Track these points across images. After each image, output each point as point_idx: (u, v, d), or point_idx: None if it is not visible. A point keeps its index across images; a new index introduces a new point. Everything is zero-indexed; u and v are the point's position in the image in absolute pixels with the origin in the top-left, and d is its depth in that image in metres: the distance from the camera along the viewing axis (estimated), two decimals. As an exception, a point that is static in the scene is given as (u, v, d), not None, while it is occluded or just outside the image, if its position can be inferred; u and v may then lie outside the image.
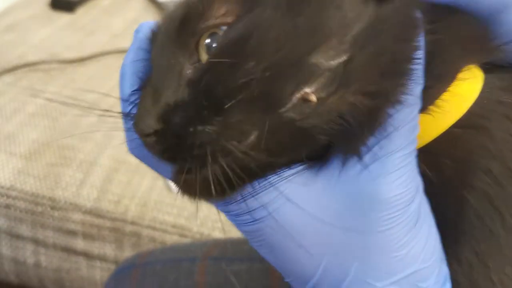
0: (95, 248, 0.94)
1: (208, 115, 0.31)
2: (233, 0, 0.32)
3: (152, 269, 0.68)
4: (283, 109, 0.31)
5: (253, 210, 0.33)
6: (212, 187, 0.32)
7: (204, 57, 0.33)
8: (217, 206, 0.35)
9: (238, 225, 0.35)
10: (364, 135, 0.32)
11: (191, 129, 0.31)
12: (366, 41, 0.31)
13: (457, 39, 0.36)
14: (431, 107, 0.35)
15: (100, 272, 0.94)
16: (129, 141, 0.36)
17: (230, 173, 0.32)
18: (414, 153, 0.34)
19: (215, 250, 0.68)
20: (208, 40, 0.32)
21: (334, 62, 0.31)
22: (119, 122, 1.07)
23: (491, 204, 0.35)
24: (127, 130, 0.36)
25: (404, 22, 0.33)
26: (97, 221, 0.93)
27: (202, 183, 0.32)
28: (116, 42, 1.35)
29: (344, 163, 0.33)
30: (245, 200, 0.33)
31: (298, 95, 0.31)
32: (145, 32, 0.38)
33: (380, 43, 0.31)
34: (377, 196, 0.32)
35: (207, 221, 0.91)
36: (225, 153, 0.31)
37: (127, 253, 0.93)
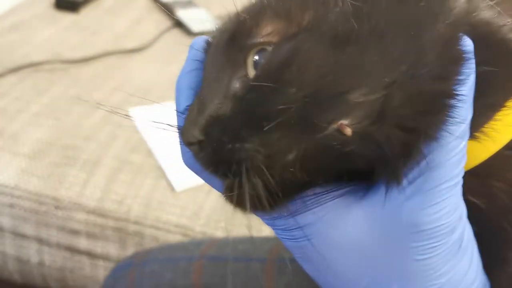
0: (98, 247, 0.95)
1: (248, 133, 0.32)
2: (280, 21, 0.33)
3: (150, 268, 0.68)
4: (320, 135, 0.32)
5: (296, 228, 0.34)
6: (247, 202, 0.32)
7: (251, 71, 0.34)
8: (263, 220, 0.36)
9: (283, 240, 0.36)
10: (403, 166, 0.32)
11: (229, 145, 0.32)
12: (406, 79, 0.31)
13: (508, 70, 0.36)
14: (478, 134, 0.35)
15: (103, 271, 0.95)
16: (184, 154, 0.37)
17: (263, 191, 0.32)
18: (460, 183, 0.34)
19: (212, 249, 0.68)
20: (256, 57, 0.33)
21: (371, 98, 0.31)
22: (123, 121, 1.07)
23: None
24: (182, 143, 0.37)
25: (446, 58, 0.33)
26: (100, 220, 0.94)
27: (238, 197, 0.33)
28: (120, 42, 1.35)
29: (387, 191, 0.33)
30: (289, 218, 0.34)
31: (335, 126, 0.31)
32: (200, 46, 0.39)
33: (419, 82, 0.31)
34: (419, 227, 0.33)
35: (210, 221, 0.91)
36: (259, 172, 0.32)
37: (130, 252, 0.93)
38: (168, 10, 1.48)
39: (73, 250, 0.96)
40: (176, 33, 1.42)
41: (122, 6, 1.54)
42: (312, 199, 0.34)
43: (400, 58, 0.31)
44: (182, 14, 1.44)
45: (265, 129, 0.31)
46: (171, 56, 1.25)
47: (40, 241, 0.96)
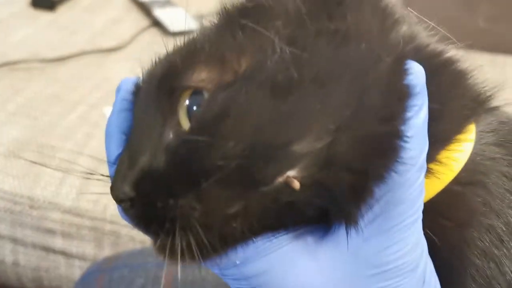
0: (74, 247, 0.95)
1: (182, 188, 0.31)
2: (214, 66, 0.32)
3: (119, 274, 0.68)
4: (264, 189, 0.30)
5: (251, 276, 0.32)
6: (179, 255, 0.31)
7: (184, 121, 0.32)
8: (212, 270, 0.34)
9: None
10: (357, 208, 0.31)
11: (164, 202, 0.31)
12: (351, 124, 0.30)
13: (459, 102, 0.36)
14: (431, 167, 0.34)
15: (79, 271, 0.95)
16: (119, 208, 0.35)
17: (198, 246, 0.31)
18: (420, 218, 0.33)
19: None
20: (187, 102, 0.32)
21: (317, 146, 0.30)
22: (100, 121, 1.07)
23: (495, 263, 0.35)
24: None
25: (391, 96, 0.32)
26: (76, 220, 0.93)
27: (170, 250, 0.32)
28: (97, 41, 1.35)
29: (347, 232, 0.32)
30: (238, 267, 0.32)
31: (280, 180, 0.30)
32: (126, 89, 0.37)
33: (365, 125, 0.31)
34: (383, 266, 0.32)
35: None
36: (194, 230, 0.31)
37: (106, 252, 0.93)
38: (145, 10, 1.47)
39: (48, 249, 0.96)
40: (154, 32, 1.41)
41: (99, 5, 1.53)
42: (263, 245, 0.32)
43: (343, 104, 0.30)
44: (160, 13, 1.43)
45: (202, 186, 0.30)
46: (148, 55, 1.25)
47: (15, 240, 0.96)
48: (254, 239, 0.32)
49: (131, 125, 0.35)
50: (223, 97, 0.30)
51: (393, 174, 0.31)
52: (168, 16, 1.43)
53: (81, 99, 1.14)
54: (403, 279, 0.32)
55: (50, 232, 0.95)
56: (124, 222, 0.97)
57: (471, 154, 0.36)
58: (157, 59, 0.36)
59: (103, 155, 1.08)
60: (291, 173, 0.30)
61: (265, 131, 0.30)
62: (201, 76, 0.32)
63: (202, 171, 0.30)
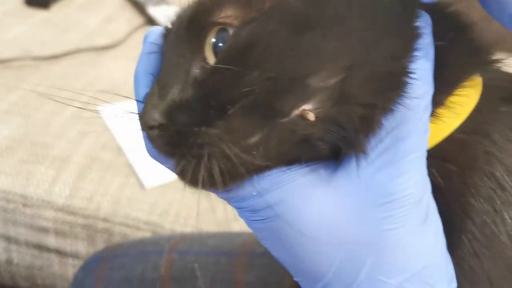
0: (67, 245, 0.94)
1: (211, 117, 0.33)
2: (241, 5, 0.34)
3: (120, 262, 0.69)
4: (282, 120, 0.32)
5: (265, 208, 0.34)
6: (200, 179, 0.33)
7: (210, 56, 0.34)
8: (230, 202, 0.36)
9: (249, 222, 0.36)
10: (368, 140, 0.34)
11: (194, 129, 0.33)
12: (363, 61, 0.33)
13: (464, 50, 0.38)
14: (437, 110, 0.36)
15: (72, 269, 0.95)
16: (146, 142, 0.36)
17: (221, 171, 0.33)
18: (425, 155, 0.35)
19: (182, 244, 0.69)
20: (213, 40, 0.34)
21: (331, 82, 0.32)
22: (93, 119, 1.06)
23: (493, 208, 0.36)
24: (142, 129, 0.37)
25: (401, 36, 0.34)
26: (69, 218, 0.93)
27: (193, 174, 0.33)
28: (91, 39, 1.34)
29: (358, 164, 0.34)
30: (258, 196, 0.34)
31: (297, 112, 0.32)
32: (154, 37, 0.39)
33: (376, 62, 0.33)
34: (390, 196, 0.34)
35: (179, 218, 0.92)
36: (222, 156, 0.33)
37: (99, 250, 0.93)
38: (140, 8, 1.47)
39: (41, 248, 0.95)
40: (150, 29, 1.41)
41: (93, 3, 1.53)
42: (281, 176, 0.34)
43: (357, 42, 0.32)
44: (154, 11, 1.43)
45: (229, 112, 0.32)
46: (142, 53, 1.25)
47: (8, 239, 0.96)
48: (271, 171, 0.34)
49: (158, 65, 0.37)
50: (247, 31, 0.33)
51: (400, 108, 0.33)
52: (163, 14, 1.43)
53: (75, 97, 1.13)
54: (409, 210, 0.34)
55: (44, 230, 0.94)
56: (118, 219, 0.97)
57: (477, 105, 0.37)
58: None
59: (96, 153, 1.07)
60: (306, 106, 0.32)
61: (285, 64, 0.32)
62: (228, 13, 0.34)
63: (229, 99, 0.32)
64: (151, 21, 1.42)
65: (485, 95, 0.38)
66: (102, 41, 1.34)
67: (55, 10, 1.46)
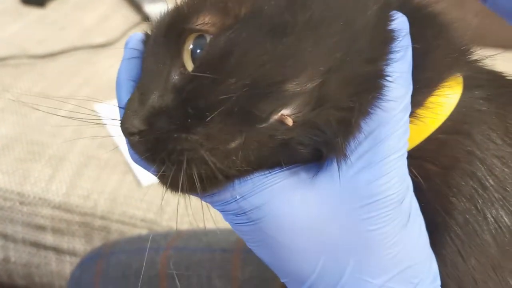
0: (65, 242, 0.95)
1: (190, 123, 0.33)
2: (218, 12, 0.34)
3: (117, 259, 0.69)
4: (261, 126, 0.33)
5: (248, 211, 0.34)
6: (180, 185, 0.33)
7: (188, 63, 0.34)
8: (214, 206, 0.36)
9: (234, 225, 0.36)
10: (347, 143, 0.34)
11: (173, 135, 0.33)
12: (340, 66, 0.33)
13: (443, 50, 0.38)
14: (417, 111, 0.37)
15: (70, 267, 0.95)
16: (128, 147, 0.37)
17: (203, 177, 0.33)
18: (405, 155, 0.35)
19: (178, 241, 0.69)
20: (191, 46, 0.34)
21: (309, 86, 0.32)
22: (90, 117, 1.07)
23: (475, 207, 0.37)
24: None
25: (377, 40, 0.34)
26: (66, 216, 0.94)
27: (172, 179, 0.34)
28: (87, 37, 1.34)
29: (339, 166, 0.34)
30: (240, 200, 0.34)
31: (276, 117, 0.33)
32: (135, 42, 0.39)
33: (353, 66, 0.33)
34: (371, 198, 0.34)
35: (176, 215, 0.92)
36: (201, 161, 0.33)
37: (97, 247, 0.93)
38: (136, 5, 1.47)
39: (39, 245, 0.96)
40: (145, 28, 1.41)
41: (90, 1, 1.53)
42: (262, 179, 0.34)
43: (334, 47, 0.33)
44: (150, 9, 1.43)
45: (208, 118, 0.32)
46: (139, 51, 1.25)
47: (5, 237, 0.96)
48: (252, 175, 0.34)
49: (139, 71, 0.38)
50: (224, 38, 0.33)
51: (378, 110, 0.34)
52: (159, 11, 1.43)
53: (71, 95, 1.14)
54: (391, 210, 0.34)
55: (41, 228, 0.95)
56: (114, 217, 0.98)
57: (458, 105, 0.38)
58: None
59: (92, 151, 1.07)
60: (285, 111, 0.33)
61: (262, 70, 0.32)
62: (205, 21, 0.34)
63: (206, 106, 0.33)
64: (147, 19, 1.42)
65: (465, 95, 0.38)
66: (99, 39, 1.34)
67: (51, 8, 1.46)
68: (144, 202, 0.94)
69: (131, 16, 1.46)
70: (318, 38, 0.33)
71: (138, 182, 0.96)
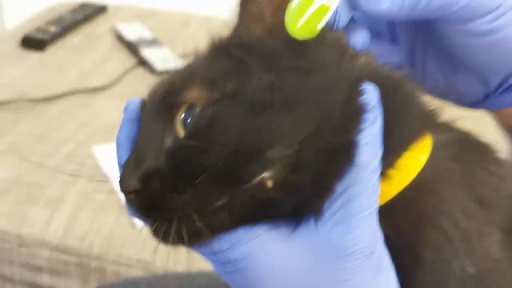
0: (61, 283, 0.97)
1: (181, 184, 0.37)
2: (204, 87, 0.38)
3: None
4: (245, 187, 0.37)
5: (235, 261, 0.38)
6: (171, 238, 0.37)
7: (180, 130, 0.38)
8: (204, 256, 0.40)
9: (222, 273, 0.40)
10: (322, 203, 0.37)
11: (166, 195, 0.37)
12: (314, 136, 0.37)
13: (411, 115, 0.42)
14: (387, 171, 0.40)
15: (66, 307, 0.97)
16: (126, 203, 0.41)
17: (187, 233, 0.37)
18: (376, 211, 0.38)
19: (173, 284, 0.71)
20: (183, 116, 0.38)
21: (286, 153, 0.36)
22: (87, 159, 1.09)
23: (442, 257, 0.40)
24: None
25: (348, 113, 0.38)
26: (63, 257, 0.96)
27: (165, 233, 0.37)
28: (85, 80, 1.38)
29: (315, 222, 0.38)
30: (223, 252, 0.38)
31: (257, 179, 0.36)
32: (134, 105, 0.43)
33: (325, 137, 0.37)
34: (344, 250, 0.37)
35: (170, 256, 0.94)
36: (189, 219, 0.37)
37: (93, 288, 0.95)
38: (133, 49, 1.52)
39: (36, 286, 0.97)
40: (141, 71, 1.46)
41: (88, 45, 1.57)
42: (246, 233, 0.38)
43: (308, 121, 0.37)
44: (147, 53, 1.48)
45: (196, 181, 0.36)
46: (135, 94, 1.29)
47: (4, 278, 0.98)
48: (237, 229, 0.38)
49: (137, 133, 0.42)
50: (210, 111, 0.37)
51: (349, 173, 0.37)
52: (155, 55, 1.47)
53: (69, 137, 1.17)
54: (362, 262, 0.37)
55: (38, 269, 0.97)
56: (110, 258, 0.99)
57: (426, 164, 0.41)
58: (161, 79, 0.43)
59: (89, 193, 1.09)
60: (265, 174, 0.36)
61: (244, 139, 0.37)
62: (194, 94, 0.38)
63: (195, 170, 0.36)
64: (143, 62, 1.47)
65: (433, 155, 0.41)
66: (96, 82, 1.38)
67: (50, 52, 1.50)
68: (139, 243, 0.96)
69: (128, 59, 1.50)
70: (294, 114, 0.37)
71: (133, 224, 0.99)
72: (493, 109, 0.49)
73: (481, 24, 0.41)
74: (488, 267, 0.40)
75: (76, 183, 1.06)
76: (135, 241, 0.97)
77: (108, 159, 1.10)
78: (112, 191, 1.04)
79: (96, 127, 1.21)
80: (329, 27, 0.40)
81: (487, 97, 0.48)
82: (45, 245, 0.96)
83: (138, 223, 0.98)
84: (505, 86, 0.46)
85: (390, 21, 0.43)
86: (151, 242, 0.98)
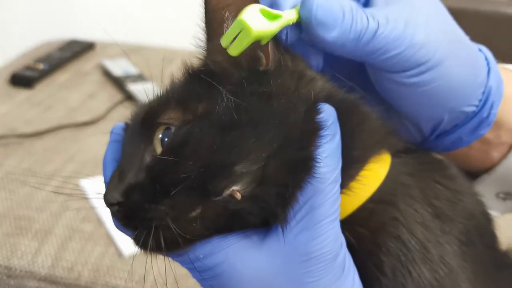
0: (49, 314, 0.98)
1: (158, 196, 0.41)
2: (179, 109, 0.43)
3: None
4: (216, 199, 0.41)
5: (211, 268, 0.41)
6: (149, 246, 0.42)
7: (158, 148, 0.43)
8: (182, 264, 0.44)
9: (200, 281, 0.43)
10: (286, 211, 0.41)
11: (145, 206, 0.41)
12: (277, 153, 0.41)
13: (369, 132, 0.46)
14: (350, 184, 0.44)
15: (54, 337, 0.98)
16: (111, 216, 0.45)
17: (164, 241, 0.41)
18: (338, 218, 0.42)
19: None
20: (160, 135, 0.43)
21: (253, 168, 0.41)
22: (74, 192, 1.11)
23: (402, 264, 0.44)
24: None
25: (307, 130, 0.42)
26: (51, 287, 0.98)
27: (144, 241, 0.42)
28: (73, 116, 1.42)
29: (282, 230, 0.42)
30: (202, 260, 0.42)
31: (227, 192, 0.41)
32: (118, 129, 0.48)
33: (287, 153, 0.41)
34: (309, 255, 0.41)
35: (156, 284, 0.96)
36: (166, 227, 0.41)
37: (81, 317, 0.97)
38: (119, 85, 1.55)
39: (24, 317, 0.99)
40: (127, 106, 1.49)
41: (75, 81, 1.61)
42: (220, 242, 0.42)
43: (271, 139, 0.41)
44: (133, 88, 1.52)
45: (172, 193, 0.40)
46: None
47: (-8, 310, 0.99)
48: (211, 238, 0.42)
49: (121, 152, 0.47)
50: (184, 131, 0.42)
51: (310, 185, 0.41)
52: (141, 90, 1.51)
53: (56, 171, 1.20)
54: (326, 265, 0.41)
55: (26, 300, 0.98)
56: (98, 287, 1.00)
57: (385, 179, 0.45)
58: (142, 104, 0.48)
59: (77, 224, 1.11)
60: (235, 187, 0.41)
61: (214, 156, 0.41)
62: (170, 116, 0.43)
63: (171, 183, 0.41)
64: (130, 97, 1.50)
65: (392, 170, 0.46)
66: (83, 117, 1.41)
67: (38, 89, 1.54)
68: (126, 272, 0.99)
69: (115, 95, 1.54)
70: (258, 133, 0.41)
71: (120, 253, 1.01)
72: (435, 151, 0.53)
73: (408, 76, 0.45)
74: (445, 274, 0.44)
75: (64, 216, 1.08)
76: (121, 270, 0.99)
77: (95, 192, 1.12)
78: (99, 222, 1.07)
79: (83, 161, 1.24)
80: (290, 54, 0.45)
81: (423, 141, 0.52)
82: (34, 276, 0.98)
83: (125, 252, 1.01)
84: (437, 133, 0.50)
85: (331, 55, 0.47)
86: (138, 271, 1.01)
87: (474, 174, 0.55)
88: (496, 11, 2.03)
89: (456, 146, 0.51)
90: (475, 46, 0.50)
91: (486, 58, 0.50)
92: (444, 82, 0.45)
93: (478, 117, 0.49)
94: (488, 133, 0.50)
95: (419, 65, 0.44)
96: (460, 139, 0.51)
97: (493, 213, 0.53)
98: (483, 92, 0.48)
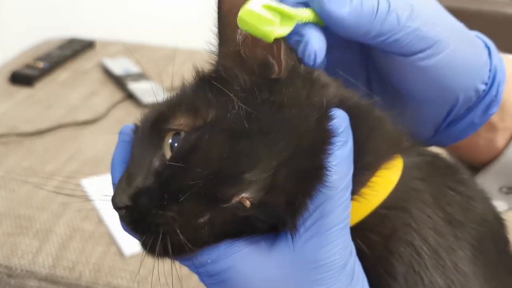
0: (50, 314, 0.98)
1: (167, 202, 0.41)
2: (189, 115, 0.42)
3: None
4: (225, 206, 0.40)
5: (218, 273, 0.41)
6: (157, 251, 0.41)
7: (167, 153, 0.42)
8: (190, 269, 0.43)
9: (208, 285, 0.43)
10: (296, 219, 0.41)
11: (153, 211, 0.41)
12: (288, 161, 0.41)
13: (380, 138, 0.46)
14: (361, 190, 0.44)
15: (55, 338, 0.97)
16: (119, 218, 0.44)
17: (171, 247, 0.41)
18: (348, 226, 0.42)
19: None
20: (170, 140, 0.42)
21: (263, 176, 0.40)
22: (75, 191, 1.11)
23: (413, 270, 0.43)
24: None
25: (318, 139, 0.42)
26: (52, 287, 0.97)
27: (152, 246, 0.41)
28: (73, 115, 1.41)
29: (291, 237, 0.41)
30: (210, 265, 0.41)
31: (236, 199, 0.40)
32: (127, 131, 0.48)
33: (298, 161, 0.41)
34: (318, 262, 0.40)
35: (158, 284, 0.96)
36: (174, 233, 0.40)
37: (82, 317, 0.96)
38: (120, 83, 1.55)
39: (25, 317, 0.98)
40: (128, 105, 1.48)
41: (75, 80, 1.60)
42: (228, 247, 0.41)
43: (282, 148, 0.41)
44: (134, 87, 1.51)
45: (180, 199, 0.40)
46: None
47: (-7, 309, 0.99)
48: (220, 244, 0.41)
49: (129, 154, 0.46)
50: (194, 137, 0.41)
51: (320, 193, 0.41)
52: (142, 89, 1.50)
53: (57, 170, 1.19)
54: (335, 273, 0.41)
55: (27, 300, 0.98)
56: (99, 287, 1.00)
57: (397, 184, 0.45)
58: (152, 107, 0.47)
59: (78, 224, 1.11)
60: (244, 194, 0.40)
61: (224, 163, 0.40)
62: (180, 122, 0.43)
63: (180, 189, 0.40)
64: (130, 96, 1.50)
65: (404, 176, 0.45)
66: (84, 116, 1.40)
67: (39, 87, 1.53)
68: (128, 272, 0.98)
69: (115, 93, 1.53)
70: (268, 142, 0.41)
71: (121, 253, 1.00)
72: (445, 144, 0.53)
73: (422, 59, 0.45)
74: (457, 280, 0.43)
75: (65, 215, 1.07)
76: (123, 270, 0.98)
77: (96, 191, 1.12)
78: (100, 222, 1.06)
79: (84, 160, 1.23)
80: (301, 62, 0.44)
81: (434, 134, 0.52)
82: (34, 276, 0.97)
83: (127, 252, 1.00)
84: (450, 118, 0.50)
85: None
86: (140, 271, 1.00)
87: (478, 169, 0.55)
88: (497, 11, 2.04)
89: (467, 133, 0.52)
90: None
91: (483, 41, 0.52)
92: (457, 60, 0.46)
93: (489, 96, 0.50)
94: (493, 116, 0.51)
95: (432, 44, 0.45)
96: (472, 123, 0.51)
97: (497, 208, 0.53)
98: (490, 70, 0.50)
